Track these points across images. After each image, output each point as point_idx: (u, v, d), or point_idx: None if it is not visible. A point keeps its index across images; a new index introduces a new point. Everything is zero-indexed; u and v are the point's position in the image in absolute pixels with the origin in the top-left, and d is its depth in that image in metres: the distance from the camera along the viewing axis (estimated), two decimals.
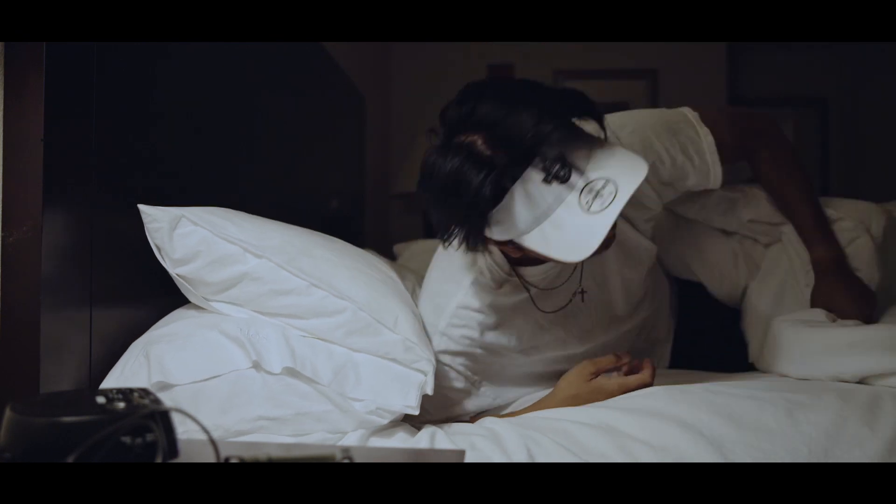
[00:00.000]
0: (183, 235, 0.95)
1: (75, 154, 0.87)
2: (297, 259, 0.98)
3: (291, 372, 0.89)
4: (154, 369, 0.87)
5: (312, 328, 0.96)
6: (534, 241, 0.83)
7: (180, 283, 0.99)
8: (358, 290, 0.98)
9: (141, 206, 0.96)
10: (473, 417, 1.09)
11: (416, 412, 0.89)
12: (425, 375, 0.94)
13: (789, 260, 1.24)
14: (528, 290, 1.07)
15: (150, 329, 0.97)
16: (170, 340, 0.91)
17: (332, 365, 0.92)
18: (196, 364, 0.88)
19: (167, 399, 0.85)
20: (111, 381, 0.89)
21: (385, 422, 0.89)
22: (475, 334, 1.05)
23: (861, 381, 0.95)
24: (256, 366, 0.89)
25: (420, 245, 1.84)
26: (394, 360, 0.95)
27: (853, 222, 1.21)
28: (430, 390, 0.92)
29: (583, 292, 1.12)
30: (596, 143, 0.85)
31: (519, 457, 0.82)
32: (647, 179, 0.89)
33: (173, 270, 0.98)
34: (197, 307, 1.02)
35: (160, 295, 1.04)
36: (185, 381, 0.87)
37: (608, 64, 3.37)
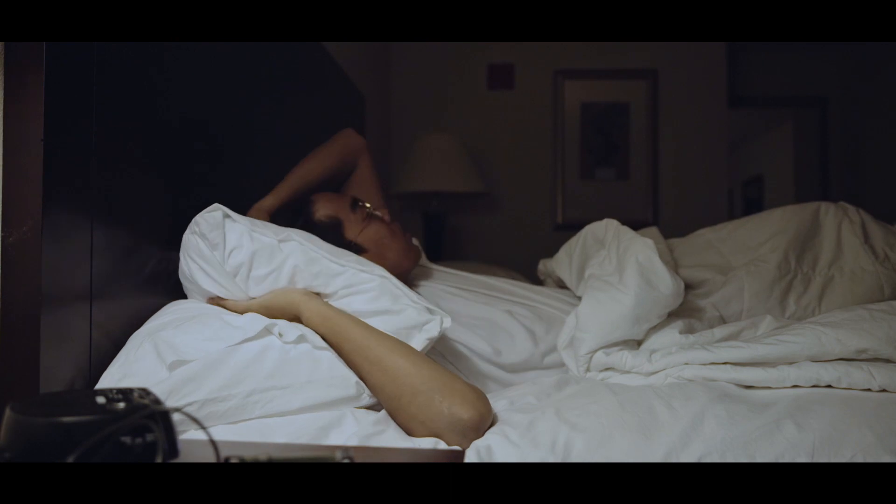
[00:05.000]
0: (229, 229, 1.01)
1: (75, 154, 0.87)
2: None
3: (304, 339, 0.91)
4: (165, 352, 0.86)
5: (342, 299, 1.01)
6: None
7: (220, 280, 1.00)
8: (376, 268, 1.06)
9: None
10: None
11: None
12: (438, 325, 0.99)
13: None
14: None
15: (147, 322, 0.97)
16: (175, 325, 0.92)
17: None
18: (207, 339, 0.89)
19: (180, 372, 0.83)
20: (114, 370, 0.87)
21: None
22: None
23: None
24: (267, 333, 0.90)
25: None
26: (414, 326, 0.99)
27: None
28: (436, 333, 0.97)
29: None
30: None
31: None
32: None
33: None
34: (191, 301, 1.04)
35: (161, 295, 1.04)
36: (200, 356, 0.86)
37: (608, 64, 3.36)
